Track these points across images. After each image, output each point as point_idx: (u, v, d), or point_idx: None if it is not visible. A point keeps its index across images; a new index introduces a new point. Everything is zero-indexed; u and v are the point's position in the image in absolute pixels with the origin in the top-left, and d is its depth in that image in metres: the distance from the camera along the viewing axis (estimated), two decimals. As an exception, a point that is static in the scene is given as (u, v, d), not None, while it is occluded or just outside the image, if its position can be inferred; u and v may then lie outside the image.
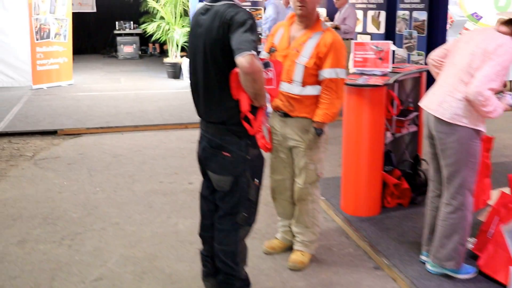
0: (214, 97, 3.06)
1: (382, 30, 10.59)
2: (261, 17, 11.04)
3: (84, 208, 5.11)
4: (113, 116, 8.63)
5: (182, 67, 12.58)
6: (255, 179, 3.16)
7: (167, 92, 11.00)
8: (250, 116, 3.00)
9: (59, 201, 5.28)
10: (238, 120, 3.02)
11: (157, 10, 13.17)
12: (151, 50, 18.00)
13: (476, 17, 11.77)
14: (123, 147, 7.21)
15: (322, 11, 11.35)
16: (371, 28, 10.62)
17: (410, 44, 9.67)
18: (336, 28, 9.74)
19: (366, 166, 4.65)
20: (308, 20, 3.76)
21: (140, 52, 17.28)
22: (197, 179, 4.63)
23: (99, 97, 10.33)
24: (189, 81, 3.29)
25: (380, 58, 4.88)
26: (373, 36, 10.73)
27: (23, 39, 11.09)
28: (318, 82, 3.70)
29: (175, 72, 12.72)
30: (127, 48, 16.92)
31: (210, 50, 2.99)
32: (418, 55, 9.45)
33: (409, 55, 9.71)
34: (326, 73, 3.65)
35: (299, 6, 3.68)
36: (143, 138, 7.64)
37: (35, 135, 7.74)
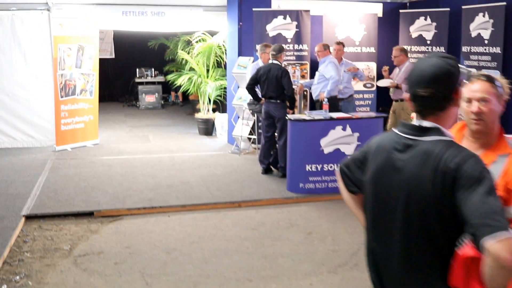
0: (415, 277, 2.04)
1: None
2: (306, 73, 10.13)
3: None
4: (153, 191, 7.62)
5: (215, 123, 11.65)
6: None
7: (205, 155, 10.02)
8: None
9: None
10: None
11: (186, 60, 12.32)
12: (173, 98, 17.12)
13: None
14: (174, 236, 6.18)
15: (372, 66, 10.44)
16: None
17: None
18: (397, 87, 8.80)
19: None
20: (486, 137, 2.73)
21: (162, 102, 16.39)
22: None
23: (131, 162, 9.34)
24: (367, 245, 2.27)
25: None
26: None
27: (45, 96, 10.23)
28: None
29: (207, 129, 11.79)
30: (148, 98, 16.05)
31: (418, 210, 2.01)
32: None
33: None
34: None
35: (475, 120, 2.67)
36: (194, 223, 6.61)
37: (68, 217, 6.73)
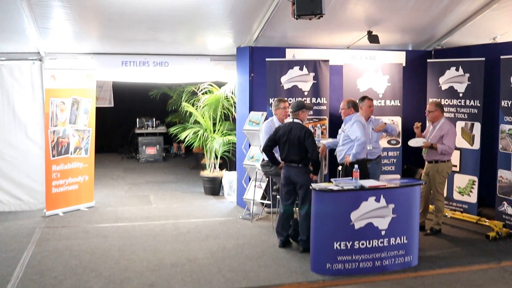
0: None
1: (476, 145, 8.65)
2: (325, 129, 9.14)
3: None
4: (155, 272, 6.51)
5: (223, 181, 10.61)
6: None
7: (213, 221, 8.91)
8: None
9: None
10: None
11: (190, 112, 11.38)
12: (175, 150, 16.12)
13: None
14: None
15: (397, 121, 9.45)
16: (460, 142, 8.66)
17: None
18: (431, 147, 7.79)
19: None
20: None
21: (163, 154, 15.38)
22: None
23: (130, 231, 8.24)
24: None
25: None
26: (464, 152, 8.78)
27: (35, 155, 9.23)
28: None
29: (214, 188, 10.74)
30: (149, 150, 15.06)
31: None
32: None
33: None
34: None
35: None
36: (205, 318, 5.50)
37: (54, 310, 5.62)
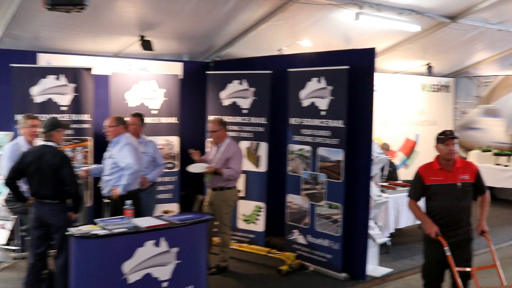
0: None
1: (263, 167, 7.79)
2: (87, 152, 7.46)
3: None
4: None
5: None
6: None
7: None
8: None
9: None
10: None
11: None
12: None
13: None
14: None
15: (174, 141, 8.17)
16: (245, 164, 7.66)
17: (315, 191, 7.00)
18: (216, 173, 6.66)
19: None
20: None
21: None
22: None
23: None
24: None
25: None
26: (249, 176, 7.87)
27: None
28: None
29: None
30: None
31: None
32: (331, 207, 6.80)
33: (312, 205, 7.01)
34: None
35: None
36: None
37: None
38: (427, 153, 12.10)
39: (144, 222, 5.21)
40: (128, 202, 5.10)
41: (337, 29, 8.75)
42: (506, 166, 11.28)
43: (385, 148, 9.00)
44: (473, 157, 11.62)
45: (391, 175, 8.93)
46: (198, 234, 5.41)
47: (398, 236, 7.89)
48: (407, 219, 8.04)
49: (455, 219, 4.84)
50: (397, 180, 9.13)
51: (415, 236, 8.68)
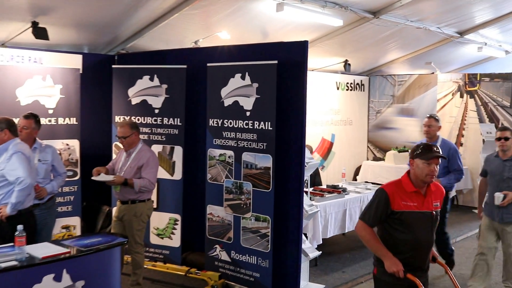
0: None
1: (178, 175, 6.92)
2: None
3: None
4: None
5: None
6: None
7: None
8: None
9: None
10: None
11: None
12: None
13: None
14: None
15: (74, 145, 7.07)
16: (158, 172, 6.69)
17: (239, 202, 6.24)
18: (126, 183, 5.71)
19: None
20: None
21: None
22: None
23: None
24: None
25: None
26: (162, 184, 6.98)
27: None
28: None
29: None
30: None
31: None
32: (258, 220, 6.07)
33: (237, 218, 6.24)
34: None
35: None
36: None
37: None
38: (343, 154, 11.85)
39: (41, 250, 4.19)
40: (20, 227, 4.04)
41: (256, 21, 8.01)
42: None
43: (310, 150, 8.39)
44: (389, 158, 11.35)
45: (314, 179, 8.31)
46: (108, 261, 4.47)
47: (324, 245, 7.29)
48: (334, 229, 7.45)
49: (426, 256, 3.92)
50: (321, 184, 8.56)
51: (341, 244, 8.19)
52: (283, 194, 5.98)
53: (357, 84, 12.21)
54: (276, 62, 5.88)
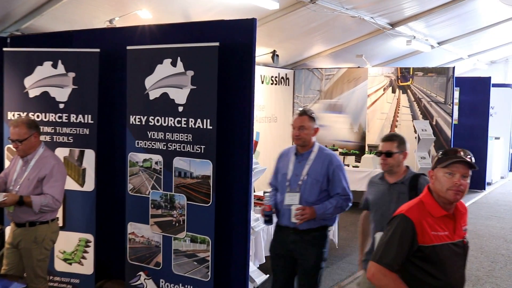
0: None
1: (90, 185, 5.59)
2: None
3: None
4: None
5: None
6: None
7: None
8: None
9: None
10: None
11: None
12: None
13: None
14: None
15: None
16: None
17: (170, 218, 5.05)
18: (22, 203, 4.35)
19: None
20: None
21: None
22: None
23: None
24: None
25: None
26: (70, 197, 5.61)
27: None
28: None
29: None
30: None
31: None
32: (195, 241, 4.92)
33: (167, 238, 5.04)
34: None
35: None
36: None
37: None
38: (268, 154, 10.87)
39: None
40: None
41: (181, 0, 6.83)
42: (355, 167, 10.33)
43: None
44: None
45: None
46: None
47: (267, 264, 6.21)
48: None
49: None
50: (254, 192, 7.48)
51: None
52: (226, 209, 4.85)
53: (282, 78, 11.24)
54: (217, 44, 4.72)
